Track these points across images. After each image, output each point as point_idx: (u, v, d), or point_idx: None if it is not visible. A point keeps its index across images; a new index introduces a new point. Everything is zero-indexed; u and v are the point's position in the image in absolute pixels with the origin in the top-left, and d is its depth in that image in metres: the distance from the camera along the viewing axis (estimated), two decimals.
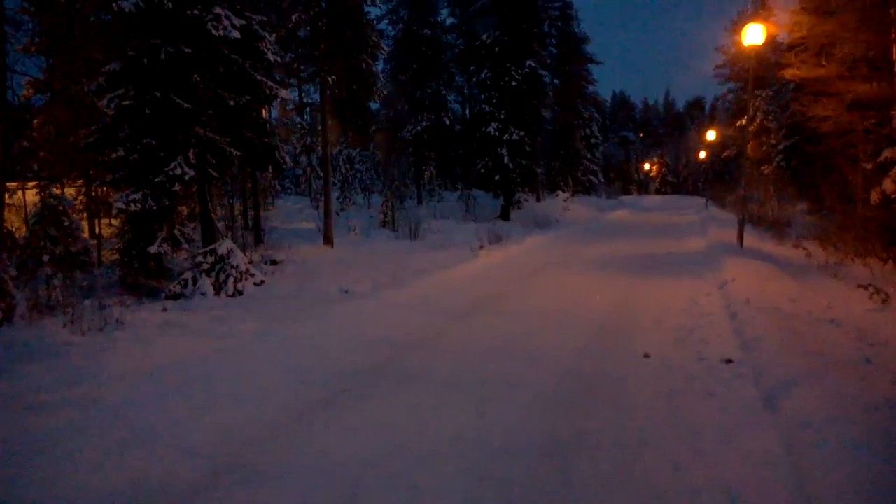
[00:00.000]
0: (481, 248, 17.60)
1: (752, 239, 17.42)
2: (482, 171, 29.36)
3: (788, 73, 12.75)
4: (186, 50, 11.28)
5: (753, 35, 13.69)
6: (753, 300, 9.09)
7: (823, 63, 11.77)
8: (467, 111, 44.11)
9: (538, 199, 36.15)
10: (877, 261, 11.59)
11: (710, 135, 43.93)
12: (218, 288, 11.12)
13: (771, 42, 18.03)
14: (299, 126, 34.03)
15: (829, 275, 11.72)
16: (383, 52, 22.42)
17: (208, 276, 11.15)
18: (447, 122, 36.88)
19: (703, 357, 6.88)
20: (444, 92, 37.60)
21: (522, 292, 11.40)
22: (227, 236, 13.21)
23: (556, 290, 11.51)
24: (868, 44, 11.60)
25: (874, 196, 12.76)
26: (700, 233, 22.78)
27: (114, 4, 10.47)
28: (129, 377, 6.02)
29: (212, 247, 11.45)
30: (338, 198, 28.94)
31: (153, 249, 11.57)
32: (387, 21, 36.58)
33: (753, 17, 27.88)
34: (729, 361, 6.63)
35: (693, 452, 4.40)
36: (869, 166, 13.77)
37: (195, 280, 11.03)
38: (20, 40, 15.33)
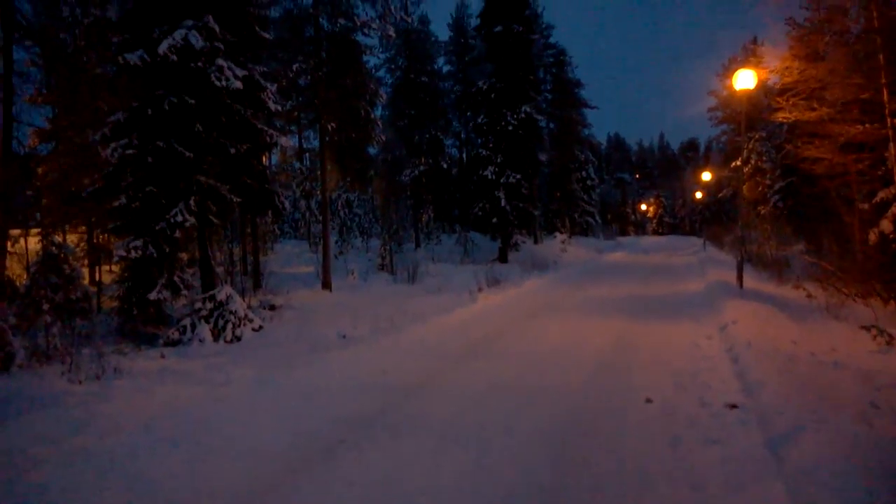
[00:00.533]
0: (479, 291, 17.59)
1: (751, 280, 17.43)
2: (480, 213, 29.57)
3: (780, 117, 12.97)
4: (190, 101, 11.51)
5: (744, 80, 14.01)
6: (755, 343, 9.04)
7: (815, 106, 11.99)
8: (464, 155, 44.67)
9: (536, 242, 36.29)
10: (878, 301, 11.57)
11: (706, 176, 44.40)
12: (216, 334, 11.07)
13: (762, 86, 18.43)
14: (299, 171, 34.41)
15: (831, 316, 11.68)
16: (382, 99, 22.84)
17: (207, 322, 11.11)
18: (445, 165, 37.32)
19: (706, 402, 6.80)
20: (441, 137, 38.14)
21: (521, 336, 11.34)
22: (226, 282, 13.22)
23: (556, 333, 11.46)
24: (858, 87, 11.84)
25: (872, 237, 12.83)
26: (699, 274, 22.80)
27: (120, 58, 10.73)
28: (126, 428, 5.94)
29: (211, 293, 11.45)
30: (336, 241, 29.05)
31: (153, 296, 11.56)
32: (385, 69, 37.39)
33: (744, 62, 28.59)
34: (733, 406, 6.55)
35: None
36: (865, 207, 13.90)
37: (194, 326, 10.99)
38: (27, 91, 15.68)
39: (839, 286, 12.36)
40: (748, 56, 31.72)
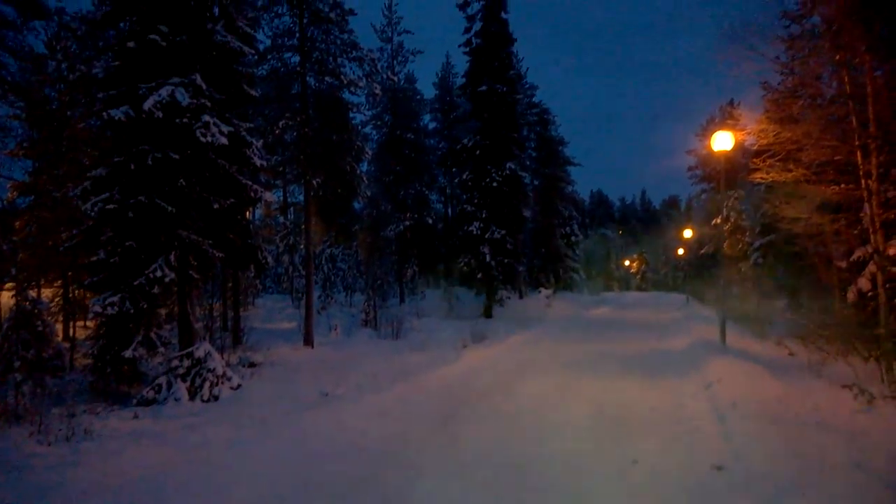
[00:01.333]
0: (464, 347, 17.41)
1: (734, 336, 17.44)
2: (465, 268, 29.60)
3: (758, 177, 13.25)
4: (174, 156, 11.52)
5: (722, 142, 14.38)
6: (740, 403, 8.95)
7: (791, 168, 12.26)
8: (450, 210, 45.04)
9: (521, 297, 36.24)
10: (859, 359, 11.57)
11: (687, 233, 45.04)
12: (193, 393, 10.76)
13: (740, 146, 18.94)
14: (283, 226, 34.40)
15: (813, 374, 11.66)
16: (367, 155, 23.09)
17: (184, 380, 10.81)
18: (430, 221, 37.53)
19: (693, 463, 6.66)
20: (426, 192, 38.52)
21: (506, 396, 11.13)
22: (205, 338, 12.96)
23: (541, 394, 11.27)
24: (833, 149, 12.14)
25: (851, 295, 12.94)
26: (683, 330, 22.80)
27: (105, 114, 10.77)
28: (95, 494, 5.68)
29: (188, 350, 11.19)
30: (319, 296, 28.81)
31: (128, 354, 11.26)
32: (371, 125, 37.97)
33: (721, 124, 29.43)
34: (719, 468, 6.42)
35: None
36: (843, 265, 14.06)
37: (169, 385, 10.69)
38: (9, 145, 15.66)
39: (820, 344, 12.37)
40: (725, 118, 32.71)
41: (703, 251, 42.25)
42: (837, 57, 11.65)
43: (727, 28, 11.85)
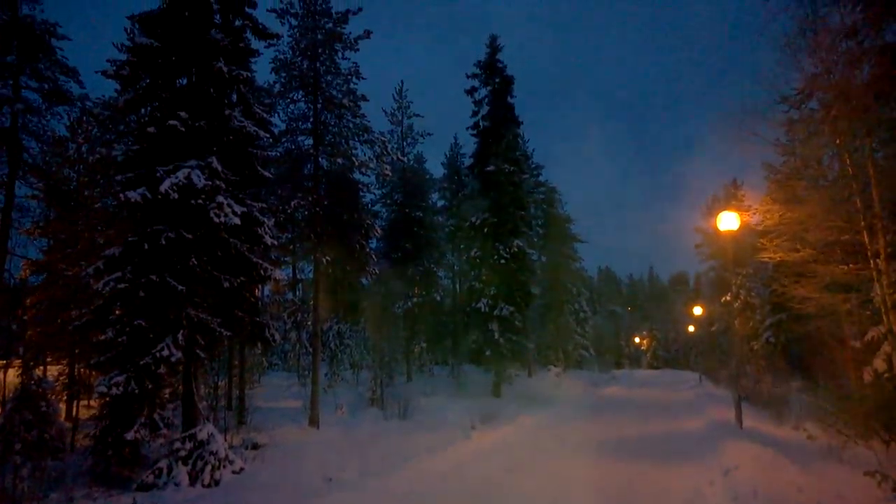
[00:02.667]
0: (473, 428, 16.98)
1: (749, 418, 16.96)
2: (473, 346, 29.29)
3: (765, 257, 13.30)
4: (187, 236, 11.72)
5: (728, 222, 14.50)
6: (761, 492, 8.60)
7: (798, 248, 12.32)
8: (458, 286, 45.01)
9: (530, 375, 35.65)
10: (879, 443, 11.19)
11: (697, 310, 44.68)
12: (194, 477, 10.48)
13: (745, 225, 19.07)
14: (291, 302, 34.40)
15: (834, 459, 11.24)
16: (377, 233, 23.36)
17: (185, 464, 10.56)
18: (438, 297, 37.49)
19: None
20: (435, 269, 38.65)
21: (516, 482, 10.75)
22: (209, 418, 12.73)
23: (553, 478, 10.89)
24: (839, 229, 12.21)
25: (867, 375, 12.69)
26: (697, 411, 22.21)
27: (122, 195, 11.05)
28: None
29: (191, 431, 10.99)
30: (326, 374, 28.42)
31: (130, 436, 11.04)
32: (381, 204, 38.60)
33: (725, 202, 29.78)
34: None
35: None
36: (857, 345, 13.86)
37: (170, 469, 10.43)
38: (25, 224, 16.01)
39: (839, 426, 12.01)
40: (730, 197, 33.12)
41: (713, 328, 41.78)
42: (837, 140, 11.91)
43: (728, 112, 12.20)
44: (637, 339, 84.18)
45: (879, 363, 12.22)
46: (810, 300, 13.04)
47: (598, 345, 62.87)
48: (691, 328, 53.03)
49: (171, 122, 11.69)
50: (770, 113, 12.61)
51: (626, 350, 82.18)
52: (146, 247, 11.48)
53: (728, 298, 29.66)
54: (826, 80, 12.20)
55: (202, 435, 10.90)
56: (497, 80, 30.56)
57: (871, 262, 11.47)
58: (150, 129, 11.82)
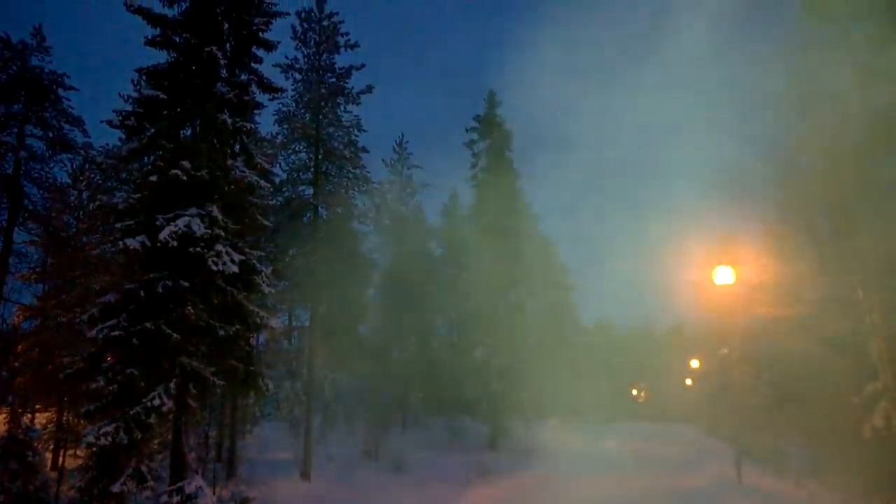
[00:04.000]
0: (469, 483, 16.63)
1: (750, 474, 16.69)
2: (470, 396, 28.92)
3: (762, 311, 13.33)
4: (184, 283, 11.72)
5: (723, 276, 14.57)
6: None
7: (793, 303, 12.36)
8: (455, 335, 44.69)
9: (527, 426, 35.04)
10: (881, 501, 11.00)
11: (694, 363, 44.33)
12: None
13: (741, 279, 19.12)
14: (286, 351, 34.08)
15: None
16: (374, 281, 23.42)
17: None
18: (435, 346, 37.20)
19: None
20: (431, 317, 38.46)
21: None
22: (198, 471, 12.46)
23: None
24: (834, 285, 12.29)
25: (866, 431, 12.56)
26: (698, 467, 21.81)
27: (121, 242, 11.11)
28: None
29: (179, 485, 10.75)
30: (319, 424, 27.91)
31: (116, 488, 10.79)
32: (379, 253, 38.67)
33: (721, 255, 29.85)
34: None
35: None
36: (856, 400, 13.73)
37: None
38: (22, 269, 15.98)
39: (840, 484, 11.82)
40: (724, 250, 33.22)
41: (710, 382, 41.32)
42: (829, 199, 12.11)
43: (722, 171, 12.44)
44: (635, 391, 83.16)
45: (878, 419, 12.11)
46: (807, 356, 13.00)
47: (595, 396, 62.10)
48: (688, 381, 52.51)
49: (174, 171, 11.85)
50: (762, 172, 12.86)
51: (623, 402, 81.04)
52: (143, 294, 11.46)
53: (725, 352, 29.44)
54: (817, 139, 12.50)
55: (190, 489, 10.66)
56: (495, 134, 31.17)
57: (867, 318, 11.51)
58: (153, 178, 11.97)
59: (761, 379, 29.14)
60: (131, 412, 10.85)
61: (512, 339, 29.45)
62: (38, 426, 14.86)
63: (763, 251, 13.78)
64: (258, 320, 13.45)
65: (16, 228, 15.28)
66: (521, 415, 33.13)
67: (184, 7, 13.12)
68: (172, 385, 11.39)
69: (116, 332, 11.25)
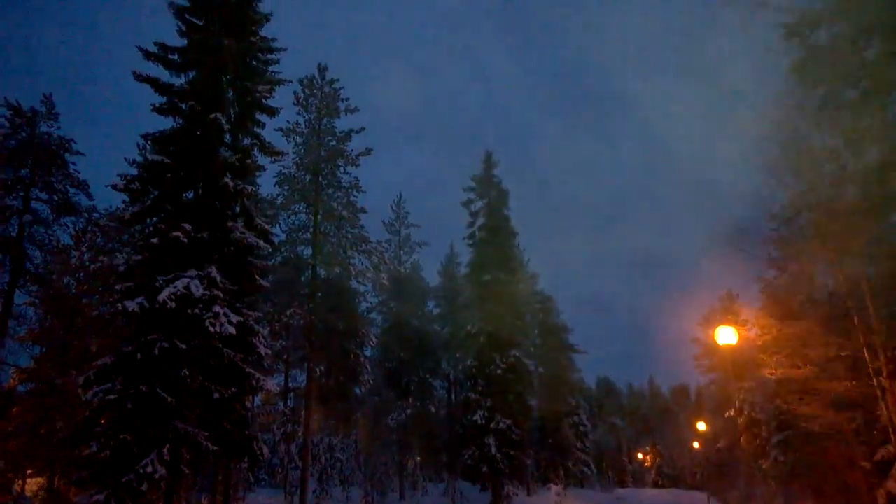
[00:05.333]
0: None
1: None
2: (469, 461, 28.11)
3: (767, 373, 13.15)
4: (181, 345, 11.59)
5: (726, 336, 14.40)
6: None
7: (799, 364, 12.21)
8: (453, 397, 43.90)
9: (528, 493, 34.00)
10: None
11: (701, 426, 43.41)
12: None
13: (744, 339, 18.96)
14: (281, 413, 33.40)
15: None
16: (372, 341, 23.21)
17: None
18: (433, 409, 36.53)
19: None
20: (430, 379, 37.92)
21: None
22: None
23: None
24: (838, 346, 12.15)
25: (880, 499, 12.17)
26: None
27: (119, 304, 11.05)
28: None
29: None
30: (315, 491, 27.08)
31: None
32: (377, 311, 38.46)
33: (723, 315, 29.73)
34: None
35: None
36: (867, 465, 13.39)
37: None
38: (20, 331, 15.85)
39: None
40: (726, 310, 33.08)
41: (719, 445, 40.36)
42: (829, 257, 12.11)
43: (719, 232, 12.49)
44: (640, 455, 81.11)
45: (892, 485, 11.76)
46: (815, 418, 12.73)
47: (599, 461, 60.64)
48: (696, 444, 51.27)
49: (175, 233, 11.91)
50: (760, 231, 12.92)
51: (629, 466, 78.90)
52: (139, 356, 11.32)
53: (732, 413, 28.93)
54: (812, 199, 12.61)
55: None
56: (493, 193, 31.54)
57: (874, 379, 11.33)
58: (154, 241, 12.02)
59: (771, 442, 28.49)
60: (123, 480, 10.53)
61: (512, 400, 28.92)
62: (28, 493, 14.37)
63: (764, 311, 13.70)
64: (254, 382, 13.26)
65: (16, 290, 15.23)
66: (522, 480, 32.23)
67: (191, 76, 13.49)
68: (166, 451, 11.10)
69: (111, 396, 11.06)
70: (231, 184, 12.85)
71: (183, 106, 13.39)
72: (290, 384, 36.59)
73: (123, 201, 14.63)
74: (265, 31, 15.02)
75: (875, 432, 12.04)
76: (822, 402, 12.19)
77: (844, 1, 11.95)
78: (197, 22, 14.07)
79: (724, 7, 12.28)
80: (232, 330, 11.99)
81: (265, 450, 14.43)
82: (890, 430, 11.15)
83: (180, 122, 13.24)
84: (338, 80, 21.45)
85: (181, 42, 13.93)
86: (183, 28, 13.98)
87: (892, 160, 11.42)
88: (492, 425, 27.81)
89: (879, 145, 11.95)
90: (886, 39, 12.10)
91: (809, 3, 12.55)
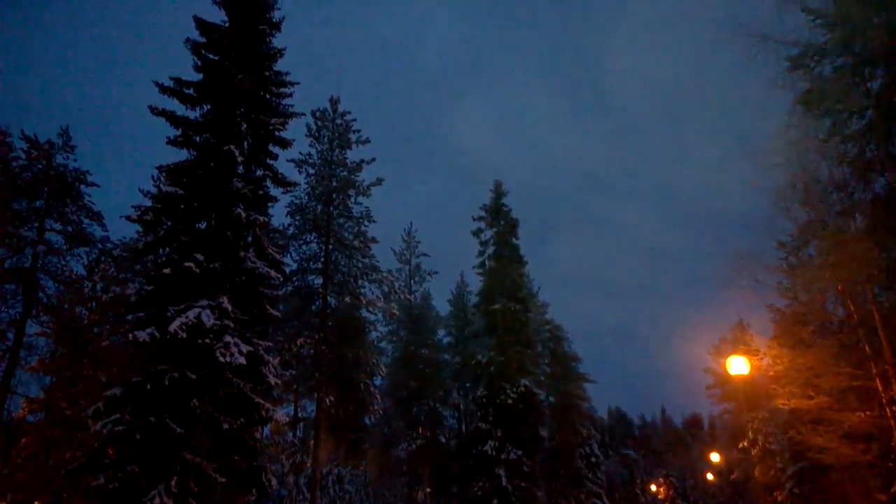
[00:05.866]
0: None
1: None
2: (479, 493, 27.71)
3: (779, 403, 13.02)
4: (191, 376, 11.66)
5: (738, 366, 14.29)
6: None
7: (811, 394, 12.08)
8: (463, 427, 43.46)
9: None
10: None
11: (715, 457, 42.68)
12: None
13: (756, 369, 18.74)
14: (290, 443, 33.21)
15: None
16: (382, 371, 23.20)
17: None
18: (443, 439, 36.20)
19: None
20: (440, 409, 37.63)
21: None
22: None
23: None
24: (850, 376, 12.04)
25: None
26: None
27: (130, 335, 11.17)
28: None
29: None
30: None
31: None
32: (387, 340, 38.44)
33: (734, 345, 29.45)
34: None
35: None
36: (884, 498, 13.14)
37: None
38: (30, 361, 15.98)
39: None
40: (738, 340, 32.78)
41: (733, 476, 39.61)
42: (839, 286, 12.07)
43: (730, 260, 12.50)
44: (654, 487, 79.57)
45: None
46: (829, 450, 12.54)
47: (612, 492, 59.54)
48: (710, 476, 50.34)
49: (187, 263, 12.07)
50: (769, 259, 12.91)
51: (642, 498, 77.34)
52: (148, 387, 11.40)
53: (745, 444, 28.47)
54: (820, 228, 12.63)
55: None
56: (502, 222, 31.68)
57: (888, 409, 11.19)
58: (166, 271, 12.18)
59: (786, 473, 27.96)
60: None
61: (523, 431, 28.62)
62: None
63: (775, 341, 13.62)
64: (264, 413, 13.26)
65: (28, 320, 15.42)
66: None
67: (205, 109, 13.80)
68: (174, 482, 11.08)
69: (120, 427, 11.10)
70: (243, 214, 13.04)
71: (197, 138, 13.67)
72: (299, 414, 36.42)
73: (137, 232, 14.93)
74: (279, 66, 15.40)
75: (890, 464, 11.83)
76: (836, 434, 12.03)
77: (848, 33, 12.12)
78: (212, 57, 14.45)
79: (730, 42, 12.45)
80: (242, 360, 12.05)
81: (273, 481, 14.36)
82: None
83: (194, 153, 13.51)
84: (349, 112, 21.85)
85: (197, 77, 14.30)
86: (199, 63, 14.36)
87: None
88: (502, 456, 27.51)
89: (886, 174, 12.01)
90: (890, 70, 12.24)
91: (812, 37, 12.72)
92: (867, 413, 12.03)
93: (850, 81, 12.26)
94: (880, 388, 11.51)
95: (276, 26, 15.26)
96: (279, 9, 15.38)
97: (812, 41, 12.53)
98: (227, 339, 11.98)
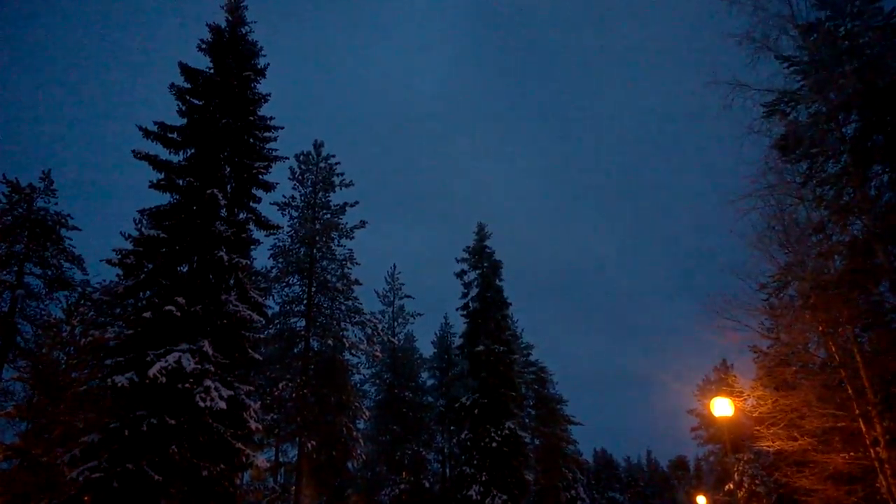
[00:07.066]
0: None
1: None
2: None
3: (763, 445, 12.99)
4: (170, 421, 11.41)
5: (721, 408, 14.30)
6: None
7: (795, 436, 12.09)
8: (447, 470, 42.75)
9: None
10: None
11: (701, 500, 42.22)
12: None
13: (740, 410, 18.74)
14: (271, 489, 32.34)
15: None
16: (365, 414, 22.84)
17: None
18: (427, 484, 35.47)
19: None
20: (423, 452, 37.01)
21: None
22: None
23: None
24: (834, 416, 12.09)
25: None
26: None
27: (109, 380, 10.94)
28: None
29: None
30: None
31: None
32: (370, 383, 37.99)
33: (718, 386, 29.47)
34: None
35: None
36: None
37: None
38: (6, 407, 15.54)
39: None
40: (721, 381, 32.86)
41: None
42: (820, 328, 12.22)
43: (710, 303, 12.63)
44: None
45: None
46: (815, 492, 12.50)
47: None
48: None
49: (168, 307, 11.94)
50: (750, 301, 13.07)
51: None
52: (126, 433, 11.12)
53: (731, 486, 28.30)
54: (800, 270, 12.84)
55: None
56: (486, 264, 31.79)
57: (871, 450, 11.22)
58: (146, 314, 12.03)
59: None
60: None
61: (507, 475, 28.16)
62: None
63: (759, 382, 13.68)
64: (244, 458, 12.98)
65: (5, 365, 15.05)
66: None
67: (189, 153, 13.86)
68: None
69: (97, 474, 10.78)
70: (226, 257, 12.98)
71: (180, 182, 13.68)
72: (280, 459, 35.54)
73: (117, 275, 14.75)
74: (263, 111, 15.57)
75: None
76: (821, 475, 12.01)
77: (821, 80, 12.56)
78: (197, 102, 14.59)
79: (708, 88, 12.85)
80: (223, 405, 11.84)
81: None
82: (891, 501, 10.96)
83: (177, 197, 13.50)
84: (333, 155, 22.06)
85: (181, 121, 14.40)
86: (183, 108, 14.47)
87: (876, 231, 11.74)
88: (487, 500, 26.97)
89: (863, 217, 12.31)
90: (864, 115, 12.67)
91: (787, 83, 13.18)
92: (851, 454, 12.05)
93: (825, 127, 12.65)
94: (863, 429, 11.56)
95: (261, 72, 15.51)
96: (265, 55, 15.68)
97: (787, 88, 12.97)
98: (208, 383, 11.80)
